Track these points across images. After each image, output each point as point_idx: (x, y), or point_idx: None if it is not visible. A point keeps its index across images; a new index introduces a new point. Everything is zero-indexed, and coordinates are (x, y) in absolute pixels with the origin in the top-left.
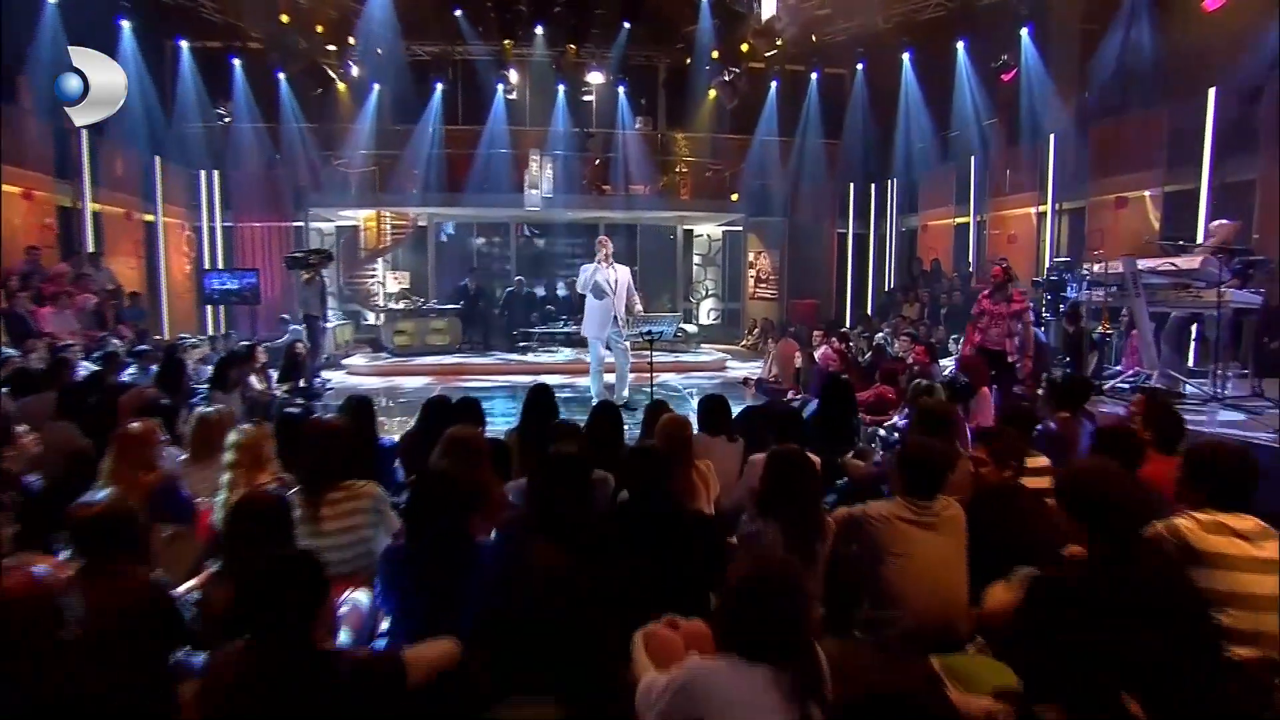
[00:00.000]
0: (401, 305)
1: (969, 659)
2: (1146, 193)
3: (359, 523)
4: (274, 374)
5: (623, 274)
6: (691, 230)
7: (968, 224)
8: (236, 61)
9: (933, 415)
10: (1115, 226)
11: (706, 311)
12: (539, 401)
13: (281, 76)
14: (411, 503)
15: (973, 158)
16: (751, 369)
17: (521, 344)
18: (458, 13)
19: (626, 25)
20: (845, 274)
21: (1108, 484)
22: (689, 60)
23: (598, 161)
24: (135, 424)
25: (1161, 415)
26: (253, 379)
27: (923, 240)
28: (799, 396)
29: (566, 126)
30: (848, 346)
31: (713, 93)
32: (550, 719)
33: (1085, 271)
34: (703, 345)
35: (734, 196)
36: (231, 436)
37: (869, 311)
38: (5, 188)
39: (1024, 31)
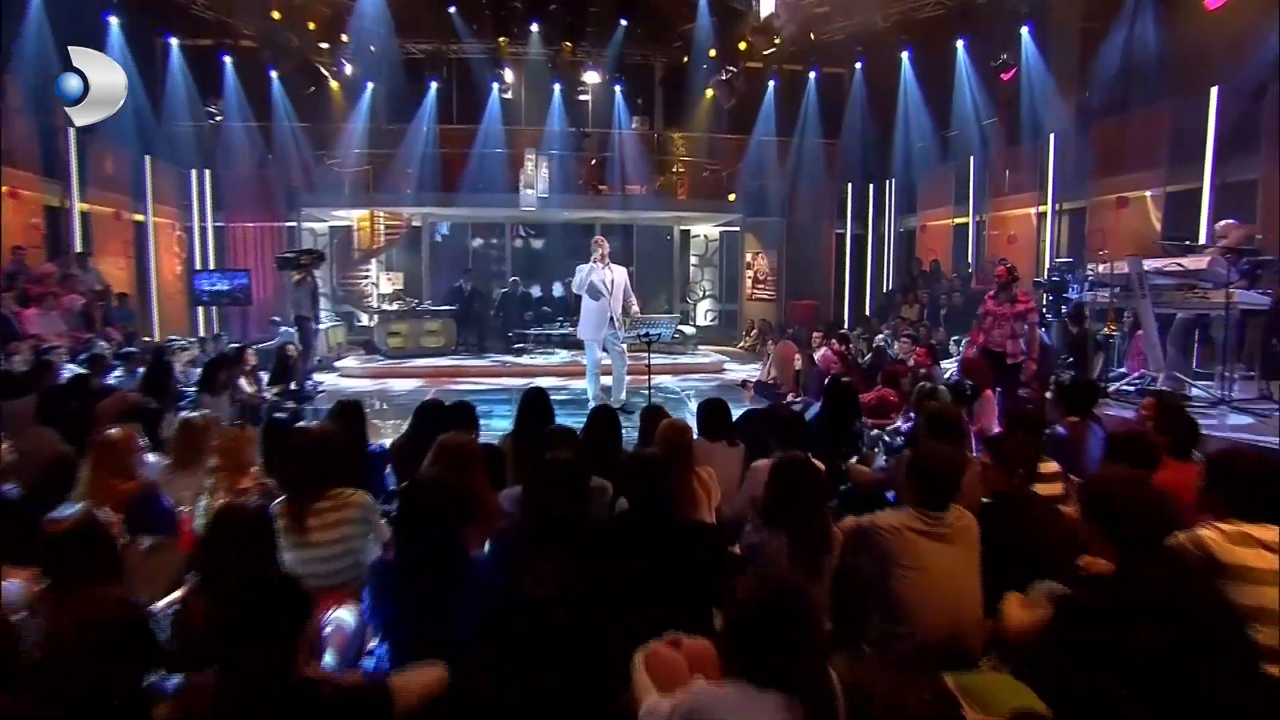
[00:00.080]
0: (395, 307)
1: (985, 677)
2: (1148, 193)
3: (347, 533)
4: (265, 376)
5: (619, 274)
6: (688, 231)
7: (967, 224)
8: (227, 59)
9: (940, 420)
10: (1116, 226)
11: (704, 313)
12: (534, 405)
13: (273, 74)
14: (401, 513)
15: (972, 157)
16: (750, 371)
17: (517, 346)
18: (452, 9)
19: (623, 23)
20: (843, 275)
21: (1136, 493)
22: (686, 59)
23: (594, 161)
24: (113, 430)
25: (1174, 419)
26: (242, 382)
27: (922, 241)
28: (799, 399)
29: (562, 126)
30: (847, 348)
31: (710, 92)
32: None
33: (1089, 272)
34: (700, 347)
35: (731, 197)
36: (214, 440)
37: (867, 313)
38: None
39: (1024, 30)
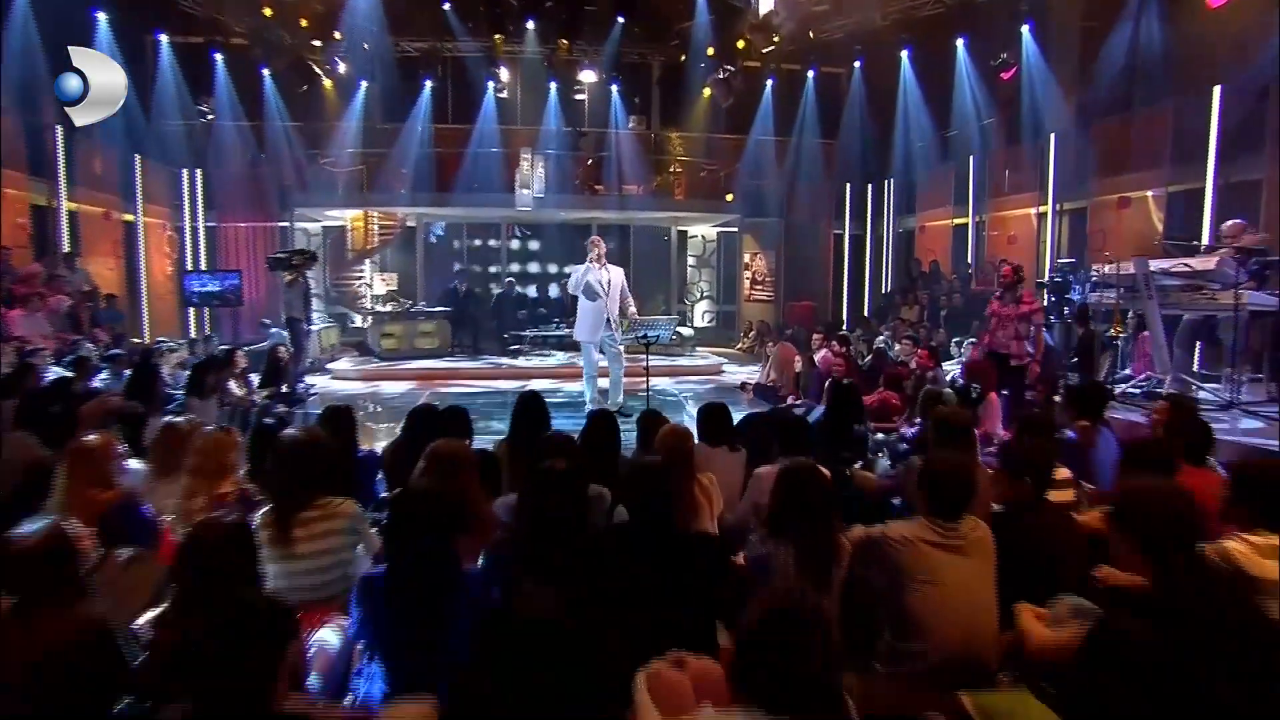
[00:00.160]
0: (389, 308)
1: (1005, 697)
2: (1149, 193)
3: (335, 544)
4: (255, 379)
5: (616, 275)
6: (686, 231)
7: (967, 225)
8: (219, 56)
9: (949, 425)
10: (1118, 227)
11: (701, 314)
12: (529, 409)
13: (265, 72)
14: (391, 523)
15: (972, 157)
16: (749, 373)
17: (513, 347)
18: (446, 6)
19: (620, 21)
20: (842, 276)
21: (1172, 504)
22: (684, 58)
23: (590, 161)
24: (91, 436)
25: (1188, 424)
26: (232, 384)
27: (921, 241)
28: (800, 402)
29: (558, 125)
30: (848, 350)
31: (708, 91)
32: None
33: (1094, 272)
34: (698, 348)
35: (729, 197)
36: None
37: (866, 314)
38: None
39: (1025, 29)
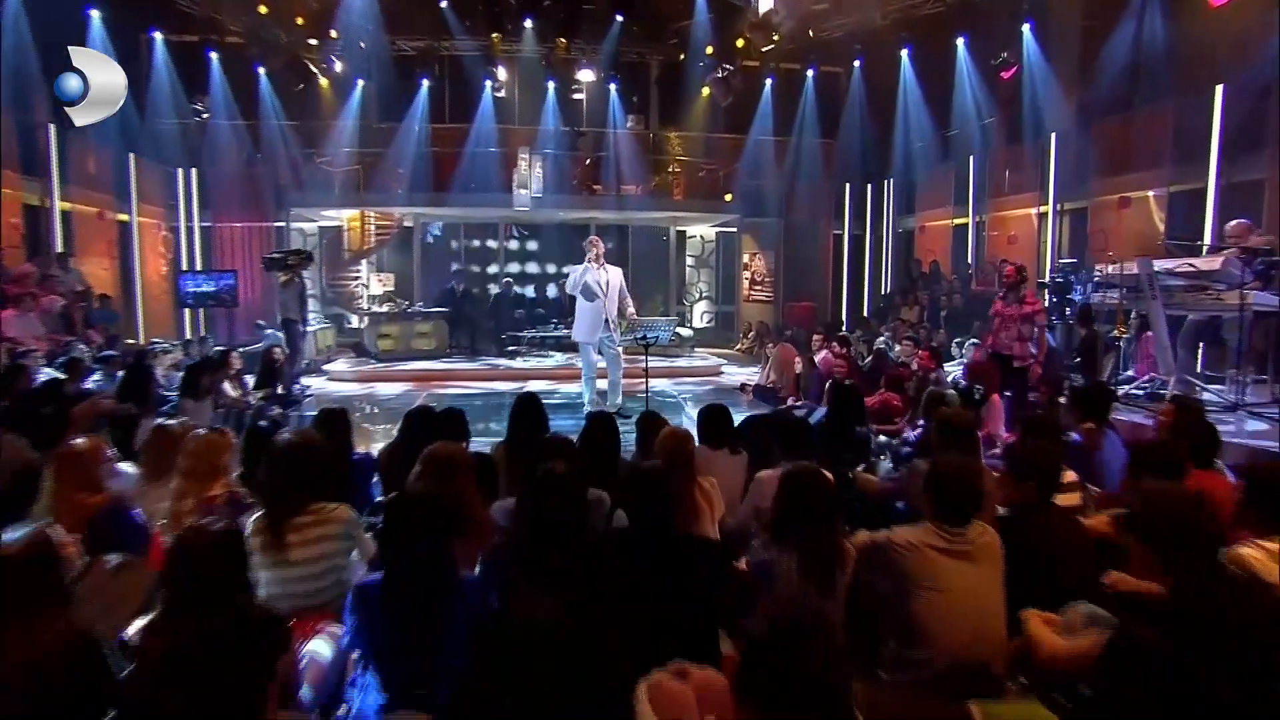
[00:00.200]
0: (386, 308)
1: (1015, 707)
2: (1151, 193)
3: (329, 550)
4: (250, 381)
5: (614, 275)
6: (684, 231)
7: (967, 225)
8: (214, 55)
9: (953, 426)
10: (1119, 227)
11: (700, 314)
12: (527, 411)
13: (261, 71)
14: (387, 527)
15: (972, 157)
16: (749, 374)
17: (510, 348)
18: (444, 5)
19: (619, 19)
20: (842, 276)
21: (1190, 510)
22: (683, 57)
23: (588, 161)
24: (79, 440)
25: (1195, 426)
26: (226, 386)
27: (920, 241)
28: (800, 403)
29: (556, 124)
30: (849, 351)
31: (707, 90)
32: None
33: (1096, 272)
34: (696, 349)
35: (728, 197)
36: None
37: (866, 314)
38: None
39: (1025, 28)
